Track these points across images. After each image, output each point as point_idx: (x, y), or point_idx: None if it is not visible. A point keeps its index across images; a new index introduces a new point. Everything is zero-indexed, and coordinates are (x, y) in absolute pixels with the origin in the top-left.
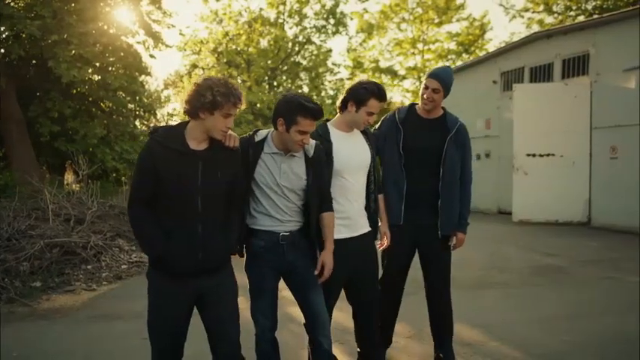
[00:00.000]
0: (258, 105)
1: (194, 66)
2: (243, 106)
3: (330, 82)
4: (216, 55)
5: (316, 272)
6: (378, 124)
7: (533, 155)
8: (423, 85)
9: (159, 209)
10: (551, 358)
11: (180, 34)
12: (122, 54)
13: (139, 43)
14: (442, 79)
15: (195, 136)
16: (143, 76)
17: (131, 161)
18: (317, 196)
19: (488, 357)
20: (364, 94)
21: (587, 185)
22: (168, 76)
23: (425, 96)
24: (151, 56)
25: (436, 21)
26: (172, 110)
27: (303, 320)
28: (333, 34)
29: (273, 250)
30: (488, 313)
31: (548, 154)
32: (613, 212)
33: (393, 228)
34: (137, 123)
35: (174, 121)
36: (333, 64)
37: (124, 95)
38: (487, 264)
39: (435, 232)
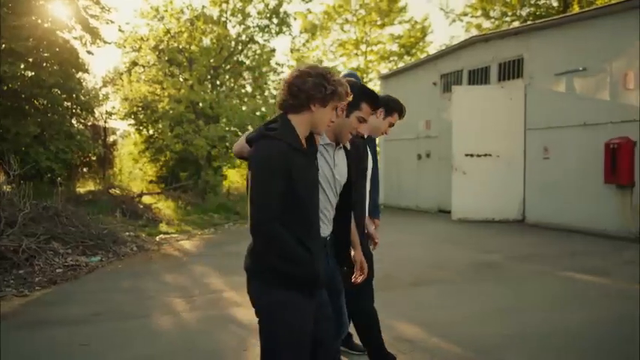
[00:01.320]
0: (201, 104)
1: (134, 63)
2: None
3: (273, 81)
4: (157, 53)
5: (357, 274)
6: None
7: (471, 155)
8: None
9: (286, 220)
10: (490, 353)
11: (120, 30)
12: (57, 49)
13: (75, 38)
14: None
15: (302, 133)
16: (80, 73)
17: (67, 161)
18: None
19: (428, 353)
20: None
21: (522, 184)
22: (107, 73)
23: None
24: (89, 52)
25: (379, 23)
26: (111, 109)
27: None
28: (277, 33)
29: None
30: (427, 309)
31: (485, 155)
32: (545, 210)
33: None
34: (74, 121)
35: (114, 120)
36: (277, 63)
37: (59, 92)
38: (427, 262)
39: None
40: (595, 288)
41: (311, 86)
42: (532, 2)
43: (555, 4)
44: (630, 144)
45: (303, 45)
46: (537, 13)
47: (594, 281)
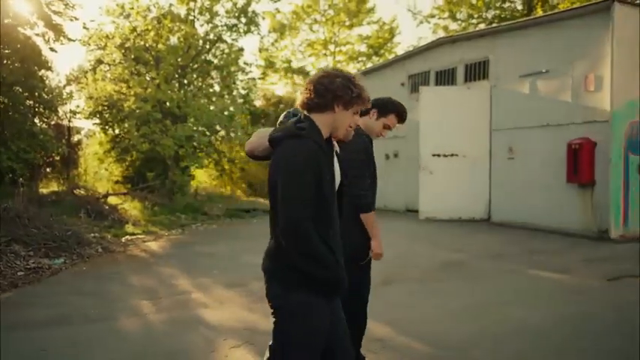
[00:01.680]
0: (168, 103)
1: (99, 61)
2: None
3: (242, 81)
4: (123, 51)
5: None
6: None
7: (438, 155)
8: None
9: (313, 220)
10: (458, 350)
11: (84, 27)
12: (19, 46)
13: (38, 35)
14: None
15: (324, 133)
16: (43, 71)
17: (29, 161)
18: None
19: (397, 351)
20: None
21: (488, 184)
22: (72, 71)
23: None
24: (52, 50)
25: (347, 23)
26: (76, 107)
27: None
28: (245, 33)
29: None
30: (397, 308)
31: (452, 155)
32: (510, 209)
33: None
34: (36, 120)
35: (79, 120)
36: (245, 63)
37: (20, 90)
38: (395, 261)
39: None
40: (558, 285)
41: (339, 87)
42: (497, 5)
43: (520, 7)
44: (591, 144)
45: (272, 44)
46: (502, 16)
47: (557, 278)
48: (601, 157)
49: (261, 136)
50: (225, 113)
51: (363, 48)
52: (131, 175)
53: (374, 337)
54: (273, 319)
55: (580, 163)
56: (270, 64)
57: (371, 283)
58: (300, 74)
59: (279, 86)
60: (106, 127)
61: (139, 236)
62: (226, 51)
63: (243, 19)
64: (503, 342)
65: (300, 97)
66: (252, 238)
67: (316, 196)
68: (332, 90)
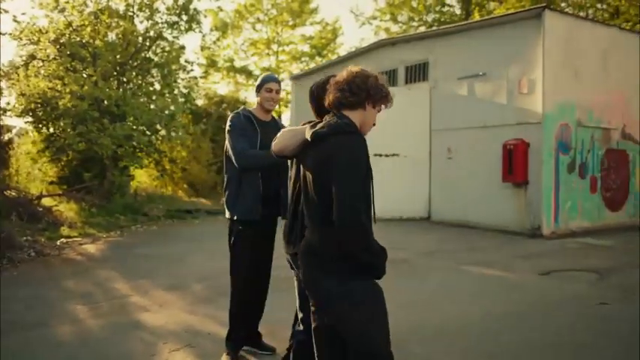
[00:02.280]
0: (106, 101)
1: (32, 57)
2: None
3: (183, 79)
4: (57, 47)
5: None
6: (230, 122)
7: (380, 155)
8: (266, 89)
9: None
10: (397, 346)
11: (15, 20)
12: None
13: None
14: (279, 83)
15: None
16: None
17: None
18: None
19: None
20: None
21: (428, 183)
22: (2, 66)
23: (272, 97)
24: None
25: (290, 23)
26: (6, 105)
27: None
28: (186, 30)
29: None
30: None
31: (393, 155)
32: (449, 208)
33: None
34: None
35: (9, 118)
36: (186, 61)
37: None
38: None
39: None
40: (494, 280)
41: (371, 86)
42: (437, 9)
43: (458, 11)
44: (524, 145)
45: (214, 43)
46: (442, 20)
47: (493, 274)
48: (534, 157)
49: (288, 136)
50: (166, 112)
51: (306, 48)
52: (67, 175)
53: None
54: (328, 315)
55: (514, 163)
56: (212, 63)
57: None
58: (242, 73)
59: (222, 85)
60: (40, 126)
61: (75, 239)
62: (167, 49)
63: (185, 17)
64: (442, 337)
65: (331, 95)
66: (194, 239)
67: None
68: (365, 89)
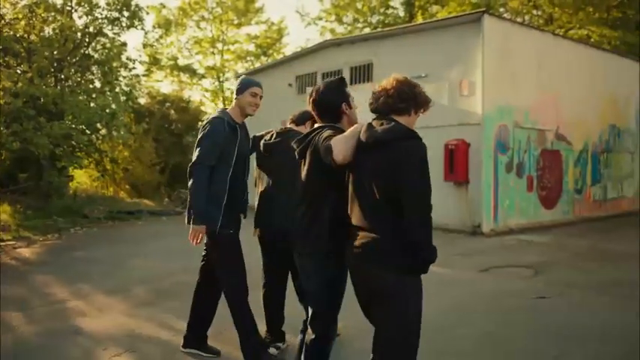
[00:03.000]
0: (42, 99)
1: None
2: None
3: (124, 77)
4: None
5: None
6: (210, 127)
7: None
8: (251, 93)
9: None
10: (344, 344)
11: None
12: None
13: None
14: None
15: None
16: None
17: None
18: None
19: (284, 351)
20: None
21: None
22: None
23: (256, 103)
24: None
25: (235, 22)
26: None
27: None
28: (128, 27)
29: None
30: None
31: None
32: None
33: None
34: None
35: None
36: (128, 58)
37: None
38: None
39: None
40: (437, 277)
41: (417, 94)
42: (381, 11)
43: (402, 14)
44: (465, 145)
45: (157, 41)
46: (386, 22)
47: (434, 272)
48: (474, 157)
49: (345, 144)
50: (107, 111)
51: (252, 47)
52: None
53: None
54: (381, 307)
55: (456, 163)
56: (155, 61)
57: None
58: (187, 72)
59: (165, 84)
60: None
61: (9, 242)
62: (108, 45)
63: (126, 13)
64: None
65: (380, 101)
66: (137, 241)
67: None
68: (413, 96)
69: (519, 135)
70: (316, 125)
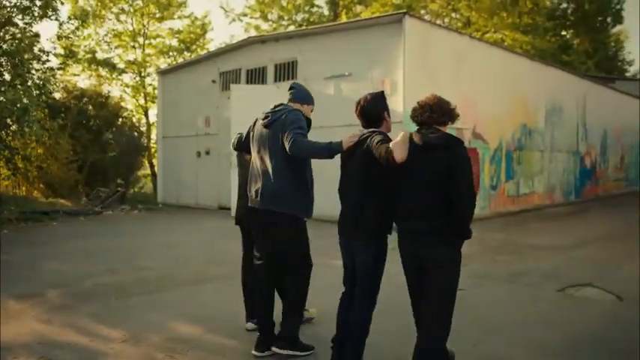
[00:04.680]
0: None
1: None
2: None
3: (37, 70)
4: None
5: None
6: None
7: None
8: (311, 109)
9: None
10: None
11: None
12: None
13: None
14: None
15: None
16: None
17: None
18: None
19: (204, 350)
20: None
21: None
22: None
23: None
24: None
25: (157, 16)
26: None
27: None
28: (41, 17)
29: None
30: (206, 307)
31: None
32: (322, 205)
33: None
34: None
35: None
36: (41, 50)
37: None
38: (206, 259)
39: None
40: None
41: (453, 109)
42: (306, 9)
43: (327, 12)
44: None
45: (73, 32)
46: (311, 20)
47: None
48: None
49: (403, 146)
50: (18, 105)
51: (175, 42)
52: None
53: (180, 339)
54: (432, 274)
55: None
56: (71, 54)
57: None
58: (106, 66)
59: (83, 78)
60: None
61: None
62: (18, 36)
63: (38, 2)
64: (312, 330)
65: (425, 115)
66: (52, 242)
67: None
68: (449, 111)
69: None
70: (365, 130)
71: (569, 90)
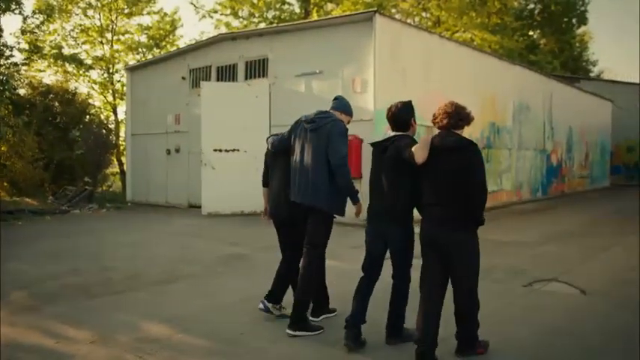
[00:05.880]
0: None
1: None
2: None
3: (0, 66)
4: None
5: None
6: (343, 128)
7: (220, 150)
8: (348, 120)
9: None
10: (236, 341)
11: None
12: None
13: None
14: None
15: None
16: None
17: None
18: None
19: (173, 350)
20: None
21: None
22: None
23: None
24: None
25: (126, 11)
26: None
27: None
28: (4, 11)
29: None
30: (175, 306)
31: (233, 150)
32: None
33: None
34: None
35: None
36: (4, 45)
37: None
38: (175, 258)
39: None
40: (329, 270)
41: (469, 114)
42: (277, 7)
43: (298, 10)
44: (358, 141)
45: (38, 27)
46: (282, 17)
47: (328, 264)
48: (366, 153)
49: (424, 148)
50: None
51: (144, 38)
52: None
53: (150, 338)
54: (453, 256)
55: (350, 159)
56: (36, 49)
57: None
58: (73, 62)
59: (49, 74)
60: None
61: None
62: None
63: None
64: (277, 329)
65: (445, 121)
66: (16, 242)
67: None
68: (466, 116)
69: None
70: (392, 133)
71: (536, 89)
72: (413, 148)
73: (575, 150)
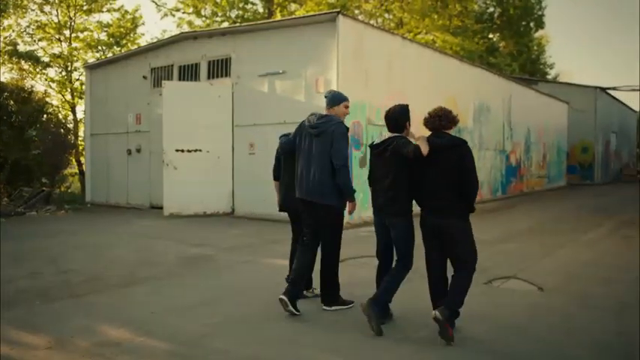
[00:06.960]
0: None
1: None
2: None
3: None
4: None
5: None
6: (345, 130)
7: (182, 151)
8: (345, 105)
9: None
10: (198, 343)
11: None
12: None
13: None
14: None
15: None
16: None
17: None
18: None
19: (135, 353)
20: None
21: (231, 178)
22: None
23: (347, 113)
24: None
25: (85, 8)
26: None
27: None
28: None
29: None
30: (136, 309)
31: (195, 150)
32: (252, 202)
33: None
34: None
35: None
36: None
37: None
38: (137, 260)
39: None
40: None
41: (455, 116)
42: (240, 6)
43: (261, 10)
44: None
45: None
46: (245, 17)
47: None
48: None
49: (426, 146)
50: None
51: (103, 36)
52: None
53: (110, 342)
54: (453, 238)
55: None
56: None
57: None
58: (28, 59)
59: (3, 71)
60: None
61: None
62: None
63: None
64: (241, 330)
65: (436, 123)
66: None
67: None
68: (452, 119)
69: (372, 131)
70: (388, 135)
71: (495, 90)
72: (417, 143)
73: (533, 150)
